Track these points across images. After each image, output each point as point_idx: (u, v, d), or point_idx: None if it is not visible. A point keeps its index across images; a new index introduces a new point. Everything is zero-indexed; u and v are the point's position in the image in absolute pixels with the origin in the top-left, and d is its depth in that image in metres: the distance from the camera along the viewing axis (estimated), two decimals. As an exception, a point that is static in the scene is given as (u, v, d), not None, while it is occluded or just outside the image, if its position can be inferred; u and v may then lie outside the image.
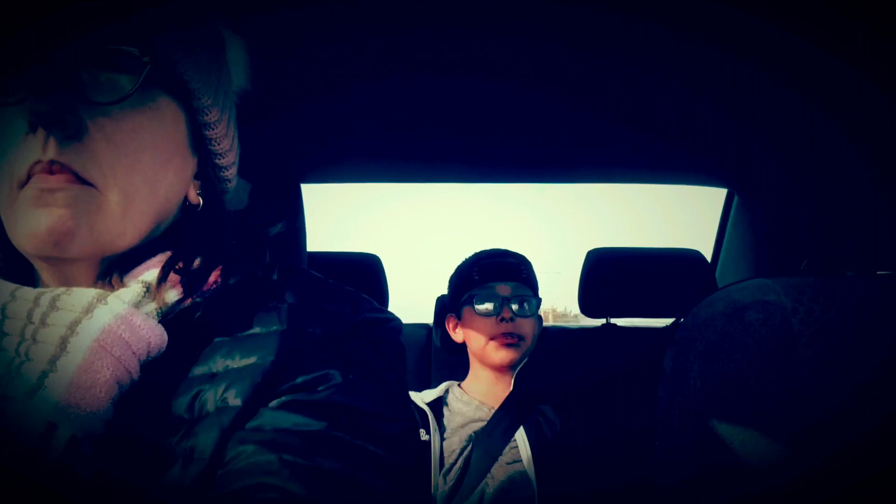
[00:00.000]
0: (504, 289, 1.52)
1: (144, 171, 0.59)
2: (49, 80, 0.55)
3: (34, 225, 0.55)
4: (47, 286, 0.62)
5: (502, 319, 1.49)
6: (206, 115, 0.65)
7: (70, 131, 0.55)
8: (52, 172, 0.55)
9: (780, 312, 0.61)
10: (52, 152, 0.55)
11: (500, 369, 1.53)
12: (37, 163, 0.55)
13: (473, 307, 1.52)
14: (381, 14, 0.99)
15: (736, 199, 1.87)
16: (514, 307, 1.50)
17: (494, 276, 1.53)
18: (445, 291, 1.72)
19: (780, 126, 1.33)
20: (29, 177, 0.56)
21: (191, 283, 0.60)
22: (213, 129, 0.67)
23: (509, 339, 1.48)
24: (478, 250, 1.65)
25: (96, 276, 0.61)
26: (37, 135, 0.55)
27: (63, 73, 0.56)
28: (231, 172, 0.73)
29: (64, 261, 0.59)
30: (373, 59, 1.14)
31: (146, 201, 0.60)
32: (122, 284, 0.60)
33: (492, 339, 1.49)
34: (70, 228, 0.56)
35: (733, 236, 1.88)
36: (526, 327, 1.52)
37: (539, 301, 1.57)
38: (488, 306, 1.51)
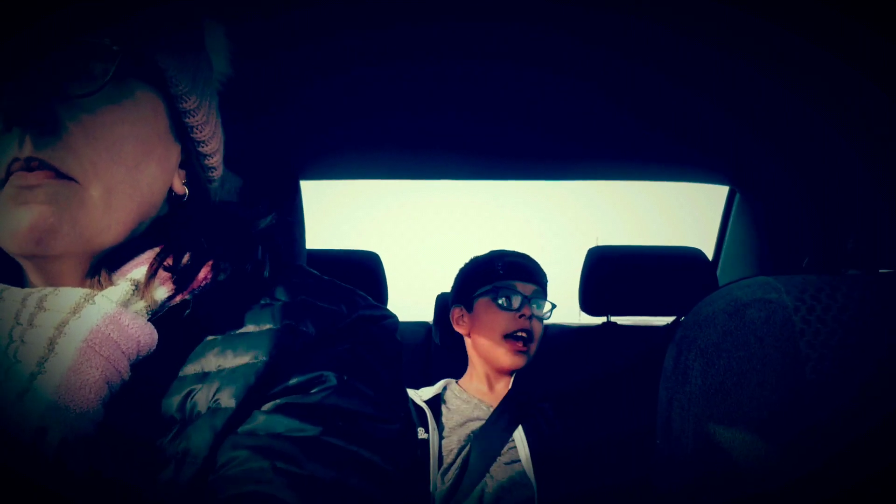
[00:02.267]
0: (527, 288, 1.53)
1: (126, 163, 0.59)
2: (23, 77, 0.55)
3: (15, 224, 0.55)
4: (35, 286, 0.61)
5: (521, 316, 1.49)
6: (185, 102, 0.64)
7: (46, 127, 0.55)
8: (30, 169, 0.55)
9: (781, 310, 0.61)
10: (28, 149, 0.54)
11: (502, 370, 1.53)
12: (14, 161, 0.54)
13: (494, 300, 1.52)
14: (381, 9, 0.99)
15: (737, 197, 1.86)
16: (535, 307, 1.52)
17: (519, 275, 1.54)
18: (445, 290, 1.71)
19: (781, 125, 1.33)
20: (8, 175, 0.55)
21: (181, 280, 0.60)
22: (193, 117, 0.66)
23: (521, 346, 1.48)
24: (482, 249, 1.66)
25: (84, 274, 0.61)
26: (12, 133, 0.54)
27: (36, 70, 0.55)
28: (216, 160, 0.72)
29: (49, 259, 0.58)
30: (372, 57, 1.14)
31: (129, 194, 0.60)
32: (110, 282, 0.59)
33: (505, 334, 1.49)
34: (52, 225, 0.55)
35: (734, 234, 1.88)
36: (537, 330, 1.53)
37: (553, 306, 1.58)
38: (511, 301, 1.51)
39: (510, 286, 1.52)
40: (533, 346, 1.51)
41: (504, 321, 1.50)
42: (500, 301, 1.51)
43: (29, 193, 0.54)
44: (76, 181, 0.56)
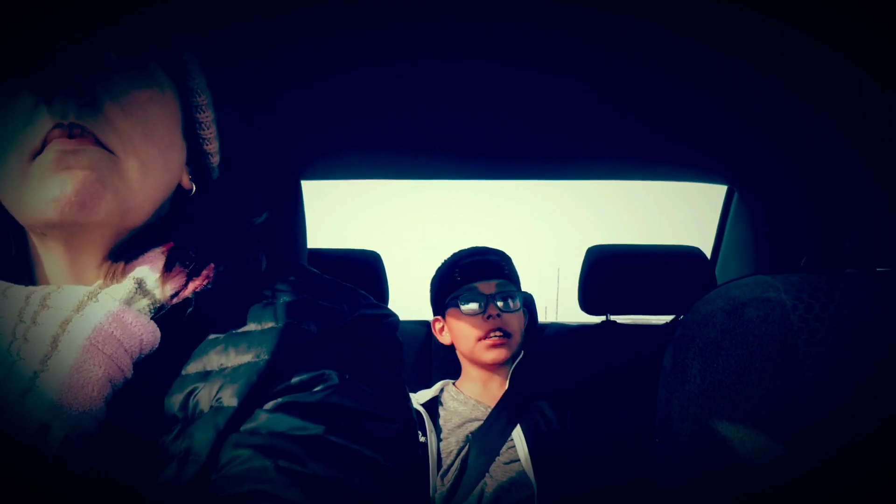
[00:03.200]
0: (487, 287, 1.52)
1: (157, 144, 0.60)
2: (64, 54, 0.56)
3: (58, 189, 0.55)
4: (42, 280, 0.62)
5: (489, 317, 1.49)
6: (199, 97, 0.66)
7: (86, 98, 0.56)
8: (72, 136, 0.55)
9: (779, 309, 0.62)
10: (72, 116, 0.55)
11: (493, 367, 1.53)
12: (55, 127, 0.55)
13: (459, 308, 1.52)
14: (381, 9, 0.99)
15: (736, 196, 1.87)
16: (500, 304, 1.51)
17: (476, 275, 1.54)
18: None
19: (780, 124, 1.33)
20: (43, 146, 0.55)
21: (189, 278, 0.60)
22: (203, 113, 0.68)
23: (498, 339, 1.48)
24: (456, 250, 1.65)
25: (105, 255, 0.61)
26: (54, 103, 0.55)
27: (77, 48, 0.56)
28: (215, 160, 0.74)
29: (79, 232, 0.59)
30: (372, 56, 1.14)
31: (161, 175, 0.61)
32: (122, 275, 0.59)
33: (480, 338, 1.50)
34: (98, 190, 0.55)
35: (733, 233, 1.88)
36: (513, 323, 1.52)
37: (524, 295, 1.58)
38: (473, 306, 1.51)
39: (471, 289, 1.52)
40: (514, 340, 1.51)
41: (475, 326, 1.50)
42: (463, 308, 1.52)
43: (72, 158, 0.55)
44: (114, 154, 0.57)
